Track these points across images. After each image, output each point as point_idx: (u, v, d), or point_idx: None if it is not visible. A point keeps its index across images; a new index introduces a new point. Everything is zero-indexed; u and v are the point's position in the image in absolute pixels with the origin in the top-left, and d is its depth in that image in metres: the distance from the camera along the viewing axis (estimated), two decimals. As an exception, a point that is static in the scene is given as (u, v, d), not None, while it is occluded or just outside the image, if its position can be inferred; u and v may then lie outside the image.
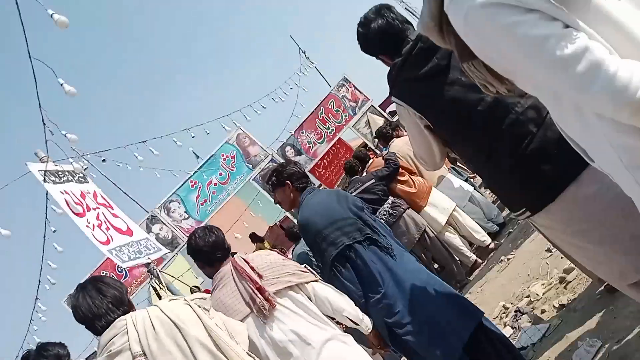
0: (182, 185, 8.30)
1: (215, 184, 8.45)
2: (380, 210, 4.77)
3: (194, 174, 8.44)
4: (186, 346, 1.77)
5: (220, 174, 8.55)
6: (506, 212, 5.49)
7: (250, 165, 8.66)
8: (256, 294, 2.20)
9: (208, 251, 2.40)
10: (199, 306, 1.94)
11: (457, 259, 4.98)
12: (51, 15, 3.39)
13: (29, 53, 3.81)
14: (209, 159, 8.62)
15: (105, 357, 1.74)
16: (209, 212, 8.19)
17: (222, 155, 8.62)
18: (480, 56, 0.95)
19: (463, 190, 5.39)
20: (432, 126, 1.79)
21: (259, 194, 9.56)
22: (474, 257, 5.04)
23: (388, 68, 1.93)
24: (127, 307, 1.90)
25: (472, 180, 6.03)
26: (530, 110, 1.56)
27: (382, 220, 3.76)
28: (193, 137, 8.52)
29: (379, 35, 1.91)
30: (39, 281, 7.75)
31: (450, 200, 5.11)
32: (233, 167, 8.63)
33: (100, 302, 1.84)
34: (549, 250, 3.47)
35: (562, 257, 2.74)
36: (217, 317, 2.00)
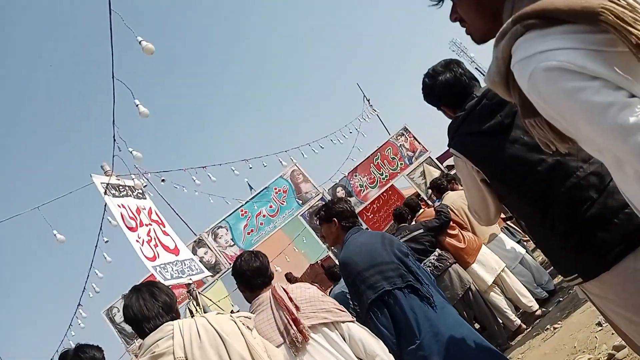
0: (232, 212, 8.49)
1: (264, 216, 8.58)
2: (425, 261, 4.68)
3: (245, 203, 8.62)
4: (227, 357, 1.80)
5: (270, 207, 8.68)
6: (557, 279, 5.27)
7: (300, 202, 8.76)
8: (291, 325, 2.21)
9: (250, 276, 2.43)
10: (243, 324, 1.97)
11: (500, 321, 4.78)
12: (139, 42, 3.64)
13: (112, 73, 4.10)
14: (261, 190, 8.81)
15: (149, 357, 1.78)
16: (254, 242, 8.29)
17: (275, 189, 8.77)
18: (543, 114, 0.95)
19: (515, 252, 5.21)
20: (489, 180, 1.78)
21: (305, 230, 9.61)
22: (518, 321, 4.82)
23: (448, 121, 1.95)
24: (175, 314, 1.95)
25: (524, 242, 5.83)
26: (592, 176, 1.52)
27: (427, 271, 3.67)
28: (250, 168, 8.76)
29: (445, 89, 1.94)
30: (84, 288, 8.04)
31: (499, 260, 4.94)
32: (284, 201, 8.75)
33: (152, 305, 1.91)
34: (599, 324, 3.29)
35: (613, 333, 2.58)
36: (258, 338, 2.02)
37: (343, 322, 2.33)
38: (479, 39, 1.21)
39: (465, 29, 1.22)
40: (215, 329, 1.86)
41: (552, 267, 5.39)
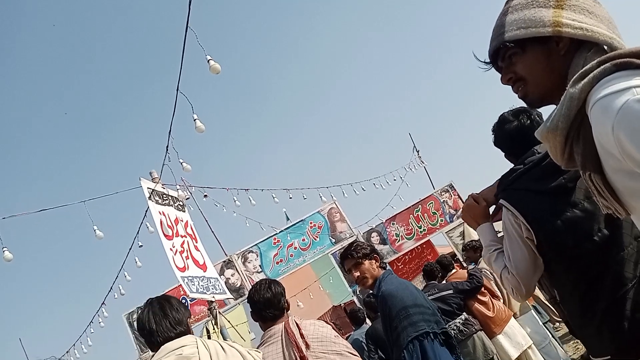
0: (265, 239, 8.54)
1: (295, 248, 8.59)
2: (450, 324, 4.54)
3: (279, 232, 8.67)
4: None
5: (303, 240, 8.68)
6: (586, 368, 4.96)
7: (334, 240, 8.73)
8: None
9: (260, 307, 2.41)
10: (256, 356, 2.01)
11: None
12: (208, 61, 3.82)
13: (178, 86, 4.29)
14: (297, 222, 8.85)
15: (175, 357, 1.83)
16: (281, 272, 8.29)
17: (311, 223, 8.79)
18: (613, 165, 0.90)
19: (545, 330, 4.98)
20: (536, 242, 1.71)
21: (333, 270, 9.53)
22: (539, 403, 4.56)
23: (498, 175, 1.91)
24: (184, 328, 1.99)
25: (549, 325, 5.57)
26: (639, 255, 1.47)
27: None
28: (290, 198, 8.82)
29: (508, 138, 1.93)
30: (111, 288, 8.22)
31: (526, 336, 4.74)
32: (317, 236, 8.74)
33: (160, 320, 1.96)
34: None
35: None
36: None
37: None
38: (538, 100, 1.18)
39: (520, 91, 1.20)
40: (237, 350, 1.93)
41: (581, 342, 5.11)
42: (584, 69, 0.93)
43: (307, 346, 2.25)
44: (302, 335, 2.28)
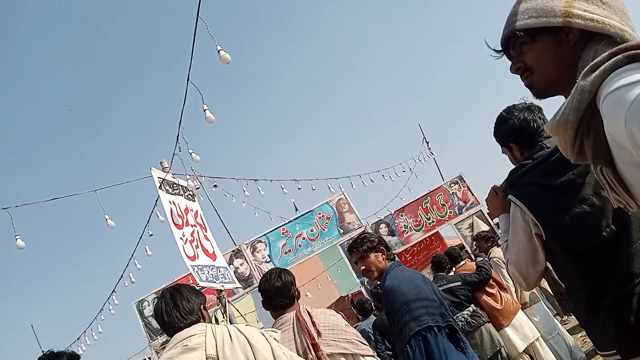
0: (274, 229, 8.59)
1: (304, 238, 8.62)
2: (458, 315, 4.55)
3: (288, 222, 8.71)
4: None
5: (312, 230, 8.72)
6: (593, 361, 4.98)
7: (342, 231, 8.75)
8: (310, 350, 2.21)
9: (270, 296, 2.43)
10: (270, 336, 2.03)
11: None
12: (218, 51, 3.83)
13: (188, 76, 4.30)
14: (306, 213, 8.88)
15: (180, 349, 1.86)
16: (290, 262, 8.33)
17: (319, 214, 8.82)
18: (625, 157, 0.89)
19: (554, 322, 4.99)
20: (545, 237, 1.71)
21: (341, 261, 9.56)
22: (545, 396, 4.58)
23: (505, 177, 1.91)
24: (197, 316, 2.03)
25: (557, 318, 5.59)
26: None
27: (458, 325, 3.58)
28: (299, 188, 8.84)
29: (522, 124, 1.91)
30: (122, 276, 8.31)
31: (534, 329, 4.75)
32: (325, 227, 8.77)
33: (171, 311, 2.02)
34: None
35: None
36: (284, 349, 2.05)
37: (363, 355, 2.31)
38: (543, 91, 1.17)
39: (527, 80, 1.19)
40: (245, 336, 1.93)
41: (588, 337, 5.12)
42: (594, 61, 0.92)
43: (319, 334, 2.28)
44: (313, 323, 2.31)
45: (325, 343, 2.26)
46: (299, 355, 2.22)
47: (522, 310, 5.10)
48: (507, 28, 1.18)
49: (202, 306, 2.08)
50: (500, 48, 1.24)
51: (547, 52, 1.12)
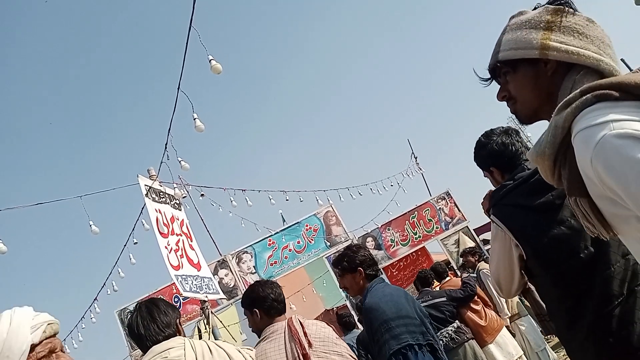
0: (260, 240, 8.55)
1: (290, 250, 8.58)
2: (443, 331, 4.55)
3: (275, 233, 8.68)
4: None
5: (298, 242, 8.68)
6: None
7: (329, 243, 8.73)
8: (300, 359, 2.18)
9: (272, 301, 2.43)
10: (247, 353, 2.03)
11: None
12: (210, 60, 3.83)
13: (179, 84, 4.30)
14: (293, 224, 8.85)
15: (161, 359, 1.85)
16: (275, 274, 8.28)
17: (306, 226, 8.79)
18: (595, 192, 0.93)
19: (542, 337, 5.03)
20: (526, 257, 1.74)
21: (327, 274, 9.52)
22: (527, 415, 4.58)
23: (491, 187, 1.94)
24: (173, 330, 2.02)
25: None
26: (627, 272, 1.49)
27: (441, 342, 3.58)
28: (287, 200, 8.82)
29: (499, 149, 1.95)
30: (104, 284, 8.19)
31: (517, 346, 4.77)
32: (312, 239, 8.75)
33: (148, 324, 2.01)
34: None
35: None
36: None
37: None
38: (527, 118, 1.21)
39: (512, 108, 1.24)
40: (225, 351, 1.93)
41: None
42: (568, 97, 0.96)
43: (310, 345, 2.26)
44: (305, 333, 2.30)
45: (315, 355, 2.25)
46: None
47: (513, 321, 5.15)
48: (492, 58, 1.23)
49: (177, 320, 2.08)
50: (488, 75, 1.28)
51: (527, 82, 1.16)
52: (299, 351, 2.22)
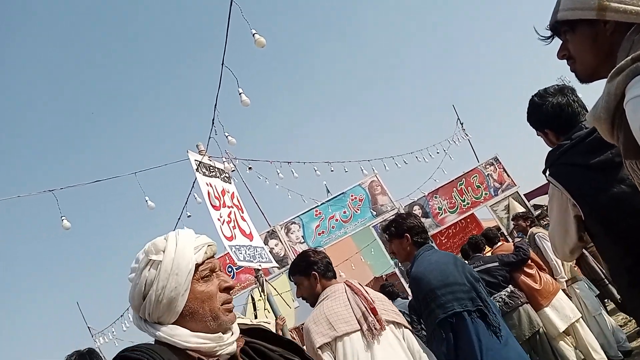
0: (307, 211, 8.66)
1: (336, 220, 8.66)
2: (496, 296, 4.52)
3: (321, 204, 8.76)
4: None
5: (344, 212, 8.74)
6: (636, 342, 4.95)
7: (375, 213, 8.75)
8: (369, 313, 2.26)
9: (326, 264, 2.51)
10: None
11: (565, 373, 4.51)
12: (253, 35, 3.85)
13: (223, 60, 4.35)
14: (338, 195, 8.90)
15: None
16: (323, 243, 8.40)
17: (352, 196, 8.83)
18: None
19: (597, 301, 4.93)
20: (584, 217, 1.71)
21: (374, 242, 9.58)
22: (585, 377, 4.53)
23: (542, 157, 1.89)
24: None
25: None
26: None
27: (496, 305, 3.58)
28: (332, 170, 8.86)
29: (555, 110, 1.88)
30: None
31: (575, 309, 4.69)
32: (358, 209, 8.78)
33: None
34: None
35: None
36: None
37: (407, 327, 2.38)
38: (586, 77, 1.20)
39: (571, 67, 1.23)
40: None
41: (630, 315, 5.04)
42: (619, 65, 0.96)
43: (372, 301, 2.34)
44: (366, 291, 2.39)
45: (379, 309, 2.32)
46: (357, 319, 2.28)
47: (570, 284, 5.06)
48: (552, 16, 1.23)
49: None
50: (548, 34, 1.27)
51: (586, 42, 1.16)
52: (365, 305, 2.28)
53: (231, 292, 1.24)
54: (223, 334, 1.16)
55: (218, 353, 1.14)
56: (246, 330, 1.28)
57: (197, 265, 1.16)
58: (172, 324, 1.14)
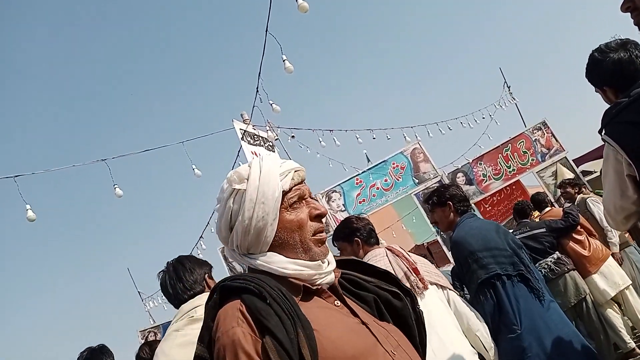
0: (348, 179, 8.69)
1: (377, 188, 8.66)
2: (541, 262, 4.46)
3: (362, 172, 8.77)
4: None
5: (386, 180, 8.72)
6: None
7: (417, 181, 8.69)
8: (411, 272, 2.31)
9: (369, 231, 2.56)
10: None
11: (611, 340, 4.44)
12: (296, 0, 3.84)
13: (267, 27, 4.37)
14: (379, 163, 8.87)
15: (187, 320, 1.92)
16: (365, 211, 8.44)
17: (393, 164, 8.78)
18: None
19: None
20: (638, 177, 1.66)
21: (416, 210, 9.54)
22: (632, 344, 4.45)
23: (593, 122, 1.84)
24: (201, 287, 2.07)
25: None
26: None
27: (540, 272, 3.55)
28: (374, 138, 8.83)
29: (616, 66, 1.81)
30: (208, 223, 8.85)
31: (625, 276, 4.58)
32: (399, 177, 8.74)
33: (175, 283, 2.07)
34: None
35: None
36: None
37: (450, 290, 2.41)
38: None
39: (636, 19, 1.18)
40: None
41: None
42: None
43: (414, 262, 2.40)
44: (407, 254, 2.44)
45: (421, 270, 2.37)
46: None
47: (622, 249, 4.94)
48: None
49: (206, 275, 2.10)
50: None
51: None
52: (408, 266, 2.34)
53: (324, 219, 1.15)
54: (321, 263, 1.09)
55: (317, 282, 1.08)
56: (340, 262, 1.20)
57: (285, 193, 1.08)
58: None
